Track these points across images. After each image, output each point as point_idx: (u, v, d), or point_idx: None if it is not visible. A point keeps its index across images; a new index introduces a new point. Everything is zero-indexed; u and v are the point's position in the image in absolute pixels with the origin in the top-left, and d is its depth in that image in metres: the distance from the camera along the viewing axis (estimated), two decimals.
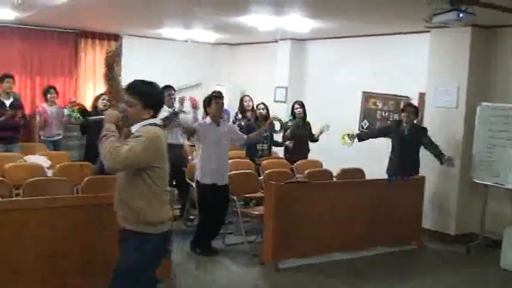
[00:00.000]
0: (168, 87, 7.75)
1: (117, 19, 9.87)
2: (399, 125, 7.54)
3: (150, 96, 3.47)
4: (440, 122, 7.68)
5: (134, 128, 3.41)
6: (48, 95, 8.82)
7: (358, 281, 5.94)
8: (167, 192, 3.50)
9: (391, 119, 9.01)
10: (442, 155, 7.17)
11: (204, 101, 6.66)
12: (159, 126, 3.45)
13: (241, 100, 9.38)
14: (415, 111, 7.52)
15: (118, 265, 3.45)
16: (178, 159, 7.20)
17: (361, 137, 7.83)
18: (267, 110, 8.55)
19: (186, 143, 8.10)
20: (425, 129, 7.47)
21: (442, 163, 7.21)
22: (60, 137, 8.91)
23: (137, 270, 3.40)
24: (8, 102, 7.81)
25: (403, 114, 7.50)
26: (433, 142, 7.28)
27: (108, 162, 3.22)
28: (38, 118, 8.80)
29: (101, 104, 7.96)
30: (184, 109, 6.86)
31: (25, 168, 6.68)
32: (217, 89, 10.42)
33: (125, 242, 3.45)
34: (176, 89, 8.27)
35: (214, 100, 6.47)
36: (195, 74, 12.64)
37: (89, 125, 7.87)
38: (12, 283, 4.52)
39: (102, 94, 8.27)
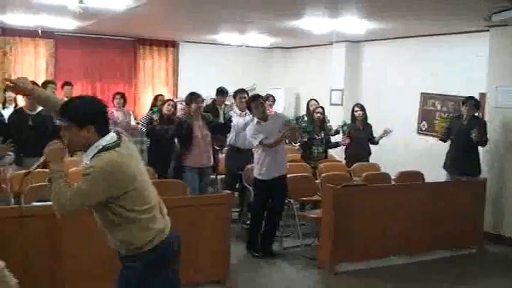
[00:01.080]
0: (241, 91, 7.93)
1: (173, 26, 10.07)
2: (459, 118, 7.47)
3: (77, 111, 2.92)
4: (501, 122, 7.47)
5: (87, 158, 2.94)
6: (115, 101, 9.05)
7: (415, 286, 5.84)
8: (149, 209, 3.02)
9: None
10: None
11: (247, 104, 6.79)
12: (112, 148, 2.90)
13: (308, 104, 9.42)
14: (476, 104, 7.40)
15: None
16: (242, 163, 7.29)
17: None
18: (323, 114, 8.53)
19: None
20: (484, 122, 7.36)
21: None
22: None
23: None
24: None
25: (463, 107, 7.41)
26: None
27: (57, 207, 2.82)
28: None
29: (166, 109, 8.08)
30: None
31: None
32: (271, 92, 10.53)
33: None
34: (232, 93, 8.38)
35: (253, 104, 6.54)
36: (250, 78, 12.70)
37: (154, 131, 7.99)
38: (75, 285, 4.66)
39: (168, 100, 8.41)
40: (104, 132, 2.95)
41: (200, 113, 7.01)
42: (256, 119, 6.54)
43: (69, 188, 2.80)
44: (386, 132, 8.17)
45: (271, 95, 9.73)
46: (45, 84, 8.14)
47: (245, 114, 7.60)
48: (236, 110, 7.82)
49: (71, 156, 3.21)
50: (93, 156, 2.90)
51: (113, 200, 2.88)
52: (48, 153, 2.88)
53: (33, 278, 4.44)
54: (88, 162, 2.90)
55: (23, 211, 4.66)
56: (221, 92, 9.17)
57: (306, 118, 9.22)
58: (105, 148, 2.90)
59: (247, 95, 7.83)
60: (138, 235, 2.99)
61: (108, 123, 3.04)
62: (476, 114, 7.46)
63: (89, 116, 2.92)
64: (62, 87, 9.65)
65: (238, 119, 7.61)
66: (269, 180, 6.40)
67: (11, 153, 6.30)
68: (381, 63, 10.41)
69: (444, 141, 7.69)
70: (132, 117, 9.49)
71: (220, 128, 7.43)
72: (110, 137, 2.95)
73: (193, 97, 6.95)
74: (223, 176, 8.21)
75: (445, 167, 7.53)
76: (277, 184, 6.44)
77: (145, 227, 3.00)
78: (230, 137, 7.70)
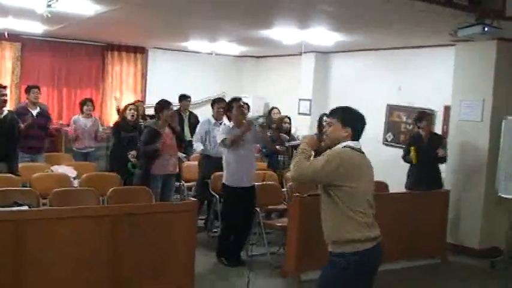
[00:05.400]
0: (220, 100, 7.88)
1: (143, 32, 10.02)
2: (418, 137, 7.47)
3: (348, 114, 3.59)
4: (465, 136, 7.63)
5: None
6: (85, 107, 8.94)
7: None
8: (363, 212, 3.43)
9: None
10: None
11: (225, 108, 6.78)
12: (356, 149, 3.49)
13: (270, 112, 9.46)
14: (432, 119, 7.53)
15: None
16: (213, 171, 7.27)
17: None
18: (290, 124, 8.58)
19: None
20: (443, 137, 7.49)
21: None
22: (92, 149, 8.98)
23: None
24: (34, 112, 7.90)
25: (422, 123, 7.38)
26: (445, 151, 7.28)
27: (291, 173, 3.49)
28: (70, 130, 8.94)
29: (129, 114, 8.04)
30: None
31: (52, 178, 6.82)
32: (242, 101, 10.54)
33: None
34: (200, 101, 8.38)
35: (235, 104, 6.55)
36: (220, 86, 12.74)
37: (120, 137, 7.94)
38: None
39: (130, 104, 8.37)
40: (355, 139, 3.53)
41: (170, 120, 6.98)
42: (232, 124, 6.53)
43: (306, 162, 3.41)
44: None
45: (246, 103, 9.77)
46: (29, 89, 8.08)
47: (220, 123, 7.61)
48: (211, 119, 7.78)
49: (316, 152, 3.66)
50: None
51: (334, 188, 3.38)
52: (307, 137, 3.69)
53: None
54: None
55: None
56: (184, 96, 9.17)
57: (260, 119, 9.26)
58: (348, 146, 3.47)
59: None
60: (346, 229, 3.38)
61: (361, 134, 3.57)
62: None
63: (352, 121, 3.55)
64: (27, 90, 9.52)
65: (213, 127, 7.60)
66: (238, 188, 6.40)
67: None
68: (349, 75, 10.53)
69: (408, 160, 7.42)
70: (99, 124, 9.40)
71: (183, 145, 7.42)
72: (355, 143, 3.52)
73: (164, 104, 6.94)
74: (189, 183, 8.21)
75: (407, 186, 7.48)
76: (245, 196, 6.42)
77: (356, 227, 3.38)
78: (203, 145, 7.68)
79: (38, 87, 8.38)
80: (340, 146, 3.50)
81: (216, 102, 7.87)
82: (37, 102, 8.25)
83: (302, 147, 3.53)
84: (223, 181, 6.52)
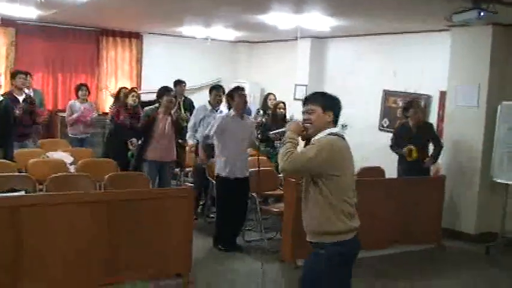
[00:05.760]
0: (218, 87, 7.87)
1: (138, 17, 9.96)
2: (404, 126, 7.52)
3: (328, 98, 3.56)
4: (461, 121, 7.65)
5: (315, 139, 3.46)
6: (80, 92, 8.94)
7: (377, 279, 5.94)
8: (348, 202, 3.41)
9: None
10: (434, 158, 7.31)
11: (227, 95, 6.77)
12: (340, 136, 3.45)
13: (266, 98, 9.46)
14: (423, 108, 7.53)
15: None
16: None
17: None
18: (285, 109, 8.58)
19: None
20: (431, 124, 7.52)
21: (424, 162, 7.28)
22: (88, 135, 8.98)
23: None
24: (21, 98, 7.80)
25: (409, 112, 7.42)
26: (438, 139, 7.35)
27: (280, 164, 3.36)
28: (67, 115, 8.93)
29: (131, 99, 8.04)
30: None
31: (48, 164, 6.81)
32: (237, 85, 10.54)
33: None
34: (195, 86, 8.35)
35: (237, 93, 6.54)
36: (215, 72, 12.71)
37: (117, 124, 7.92)
38: (35, 278, 4.59)
39: (131, 90, 8.35)
40: (335, 124, 3.51)
41: (170, 107, 6.95)
42: (232, 112, 6.51)
43: (296, 152, 3.31)
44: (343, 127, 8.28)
45: (242, 87, 9.76)
46: (14, 74, 7.99)
47: (216, 110, 7.61)
48: (207, 105, 7.76)
49: (305, 139, 3.58)
50: (318, 138, 3.42)
51: (322, 178, 3.33)
52: (291, 124, 3.55)
53: None
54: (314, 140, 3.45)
55: None
56: (179, 82, 9.16)
57: (261, 112, 9.27)
58: (333, 134, 3.42)
59: (224, 92, 7.79)
60: (332, 220, 3.34)
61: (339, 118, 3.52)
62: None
63: (332, 105, 3.51)
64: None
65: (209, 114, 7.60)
66: (230, 179, 6.40)
67: None
68: (345, 60, 10.51)
69: (399, 154, 7.50)
70: (94, 110, 9.40)
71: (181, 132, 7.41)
72: (338, 130, 3.50)
73: (164, 91, 6.93)
74: (186, 169, 8.22)
75: (399, 174, 7.57)
76: (238, 185, 6.44)
77: (341, 217, 3.35)
78: (194, 138, 7.67)
79: (25, 73, 8.31)
80: (325, 132, 3.44)
81: (214, 88, 7.85)
82: (23, 88, 8.15)
83: (289, 136, 3.43)
84: (216, 172, 6.51)
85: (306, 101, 3.58)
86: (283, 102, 8.58)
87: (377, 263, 6.46)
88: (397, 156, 7.60)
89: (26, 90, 9.28)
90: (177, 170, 7.88)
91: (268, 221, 7.23)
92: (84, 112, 8.85)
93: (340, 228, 3.35)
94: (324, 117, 3.46)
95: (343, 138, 3.48)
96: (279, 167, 3.42)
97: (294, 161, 3.30)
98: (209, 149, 7.08)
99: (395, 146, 7.53)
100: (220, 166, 6.46)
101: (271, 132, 4.07)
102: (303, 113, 3.54)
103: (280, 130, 3.68)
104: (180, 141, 7.73)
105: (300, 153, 3.33)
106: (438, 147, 7.40)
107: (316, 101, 3.51)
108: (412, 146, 7.20)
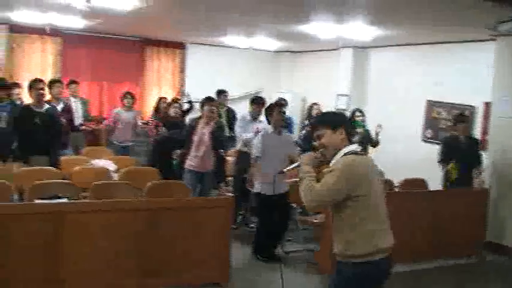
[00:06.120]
0: (259, 99, 7.84)
1: (181, 27, 10.09)
2: (454, 138, 7.42)
3: (332, 116, 3.49)
4: (506, 132, 7.44)
5: (332, 163, 3.33)
6: (125, 100, 9.10)
7: None
8: (374, 221, 3.24)
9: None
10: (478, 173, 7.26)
11: (266, 110, 6.75)
12: (357, 153, 3.30)
13: (310, 108, 9.46)
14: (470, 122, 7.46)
15: None
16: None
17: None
18: None
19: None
20: (477, 140, 7.47)
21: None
22: (131, 143, 9.12)
23: None
24: (59, 107, 7.91)
25: (459, 125, 7.38)
26: (480, 157, 7.32)
27: (304, 201, 3.25)
28: (109, 122, 9.09)
29: (172, 111, 8.12)
30: None
31: (92, 171, 6.92)
32: (279, 96, 10.56)
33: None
34: (238, 96, 8.39)
35: (276, 110, 6.51)
36: (257, 82, 12.77)
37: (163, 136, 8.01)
38: (76, 283, 4.69)
39: (174, 101, 8.44)
40: (350, 141, 3.38)
41: (212, 117, 6.99)
42: (271, 130, 6.52)
43: (316, 186, 3.19)
44: (378, 127, 8.19)
45: (284, 99, 9.80)
46: (52, 83, 8.16)
47: (256, 120, 7.63)
48: (247, 116, 7.79)
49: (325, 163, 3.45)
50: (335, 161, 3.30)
51: (349, 201, 3.18)
52: (304, 157, 3.43)
53: (33, 275, 4.48)
54: (332, 164, 3.31)
55: (25, 208, 4.72)
56: (221, 92, 9.23)
57: (306, 122, 9.24)
58: (349, 153, 3.27)
59: (263, 104, 7.72)
60: (357, 242, 3.20)
61: (353, 133, 3.25)
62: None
63: (338, 120, 3.39)
64: (68, 85, 9.70)
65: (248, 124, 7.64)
66: (270, 195, 6.37)
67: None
68: (387, 70, 10.41)
69: (446, 165, 7.44)
70: (139, 118, 9.54)
71: (218, 143, 7.40)
72: (355, 147, 3.36)
73: (204, 101, 6.99)
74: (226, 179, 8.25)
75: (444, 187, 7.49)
76: (279, 198, 6.35)
77: (365, 238, 3.21)
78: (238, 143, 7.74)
79: (77, 82, 8.47)
80: (340, 153, 3.30)
81: (254, 102, 7.83)
82: (60, 97, 8.30)
83: (304, 170, 3.30)
84: (255, 190, 6.50)
85: (313, 127, 3.48)
86: (318, 114, 8.56)
87: (416, 276, 6.34)
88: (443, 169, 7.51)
89: (72, 99, 9.54)
90: (219, 184, 7.91)
91: (308, 232, 7.17)
92: (130, 121, 8.99)
93: (368, 250, 3.20)
94: (335, 136, 3.32)
95: (362, 154, 3.37)
96: (305, 203, 3.27)
97: (318, 195, 3.18)
98: (246, 159, 7.13)
99: (443, 161, 7.46)
100: (260, 183, 6.42)
101: (285, 170, 3.81)
102: (314, 140, 3.43)
103: (294, 165, 3.50)
104: (220, 151, 7.77)
105: (320, 185, 3.19)
106: (478, 165, 7.34)
107: (323, 123, 3.39)
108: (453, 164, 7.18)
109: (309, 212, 7.58)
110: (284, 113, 6.64)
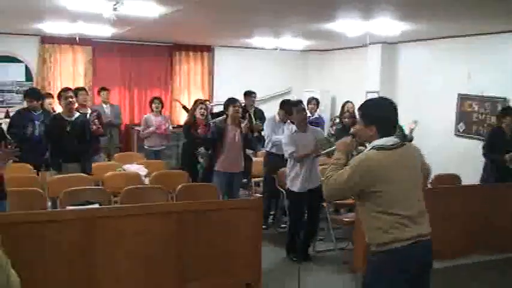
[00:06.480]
0: (287, 103, 7.69)
1: (208, 30, 10.14)
2: (502, 132, 7.28)
3: (367, 110, 3.40)
4: None
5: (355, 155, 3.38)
6: (153, 105, 9.20)
7: None
8: (397, 214, 3.22)
9: (488, 122, 8.67)
10: None
11: (287, 112, 6.77)
12: (385, 148, 3.25)
13: (343, 106, 9.44)
14: None
15: None
16: (278, 167, 7.24)
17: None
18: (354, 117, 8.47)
19: None
20: None
21: None
22: (163, 147, 9.20)
23: None
24: (88, 115, 8.00)
25: (506, 118, 7.27)
26: None
27: (323, 190, 3.36)
28: (141, 128, 9.19)
29: (198, 113, 8.16)
30: None
31: (123, 176, 7.01)
32: (308, 95, 10.54)
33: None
34: (266, 96, 8.38)
35: (294, 108, 6.51)
36: (285, 82, 12.76)
37: (190, 136, 8.06)
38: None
39: (200, 103, 8.48)
40: (385, 134, 3.28)
41: (237, 117, 7.01)
42: (294, 128, 6.50)
43: (333, 177, 3.25)
44: (414, 124, 8.02)
45: (315, 98, 9.78)
46: (76, 91, 8.26)
47: (284, 122, 7.61)
48: (276, 117, 7.77)
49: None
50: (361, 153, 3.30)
51: (365, 194, 3.22)
52: (339, 143, 3.46)
53: (68, 283, 4.55)
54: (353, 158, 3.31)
55: (59, 215, 4.80)
56: (249, 93, 9.23)
57: (337, 120, 9.19)
58: (376, 147, 3.25)
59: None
60: (377, 234, 3.24)
61: (393, 127, 3.33)
62: None
63: (373, 117, 3.30)
64: (99, 92, 9.83)
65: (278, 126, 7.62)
66: (302, 193, 6.36)
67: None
68: (417, 64, 10.28)
69: (496, 160, 7.28)
70: (169, 122, 9.62)
71: (249, 143, 7.40)
72: (386, 140, 3.27)
73: (229, 102, 7.00)
74: (256, 179, 8.26)
75: (482, 181, 7.38)
76: (310, 196, 6.34)
77: (385, 229, 3.22)
78: (266, 143, 7.73)
79: (107, 89, 8.54)
80: (369, 146, 3.32)
81: (283, 107, 7.72)
82: (86, 104, 8.39)
83: (335, 157, 3.37)
84: (287, 186, 6.49)
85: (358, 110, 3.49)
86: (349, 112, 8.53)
87: (452, 272, 6.23)
88: (475, 161, 7.36)
89: (104, 105, 9.67)
90: (245, 180, 7.91)
91: (340, 231, 7.13)
92: (159, 124, 9.07)
93: (386, 240, 3.23)
94: (365, 131, 3.34)
95: (392, 148, 3.27)
96: (324, 193, 3.37)
97: (332, 187, 3.27)
98: (275, 159, 7.08)
99: (489, 153, 7.32)
100: (291, 181, 6.42)
101: (322, 152, 3.90)
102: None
103: (330, 149, 3.55)
104: (250, 151, 7.78)
105: (334, 179, 3.25)
106: None
107: (360, 114, 3.41)
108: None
109: (339, 210, 7.61)
110: (304, 109, 6.60)
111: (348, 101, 9.64)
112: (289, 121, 7.58)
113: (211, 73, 12.42)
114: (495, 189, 6.93)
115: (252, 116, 9.29)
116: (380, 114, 3.34)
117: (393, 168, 3.23)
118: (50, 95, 9.16)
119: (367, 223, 3.33)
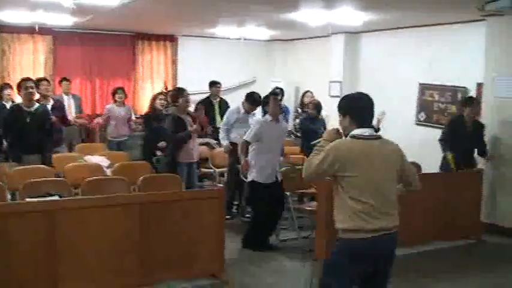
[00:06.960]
0: (253, 100, 7.58)
1: (171, 20, 10.06)
2: (462, 121, 7.37)
3: (342, 102, 3.59)
4: (498, 112, 7.42)
5: None
6: (117, 96, 9.07)
7: (415, 276, 5.82)
8: (364, 202, 3.32)
9: (448, 111, 8.82)
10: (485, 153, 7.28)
11: (263, 101, 6.79)
12: (360, 138, 3.39)
13: (303, 96, 9.48)
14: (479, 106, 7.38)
15: None
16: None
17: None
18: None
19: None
20: (483, 125, 7.37)
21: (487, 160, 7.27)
22: (125, 138, 9.10)
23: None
24: (49, 106, 7.79)
25: (467, 108, 7.33)
26: (485, 143, 7.31)
27: (303, 172, 3.51)
28: (101, 119, 9.08)
29: (158, 103, 8.09)
30: None
31: (85, 168, 6.92)
32: (273, 85, 10.55)
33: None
34: (231, 86, 8.37)
35: (272, 98, 6.59)
36: (250, 72, 12.75)
37: (151, 127, 8.00)
38: (72, 280, 4.68)
39: (159, 94, 8.42)
40: (361, 125, 3.43)
41: (187, 107, 7.04)
42: (269, 118, 6.51)
43: (311, 159, 3.44)
44: (380, 115, 8.00)
45: (279, 88, 9.80)
46: (38, 81, 8.07)
47: (253, 114, 7.61)
48: (241, 108, 7.72)
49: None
50: None
51: (338, 178, 3.36)
52: (326, 132, 3.62)
53: (30, 274, 4.48)
54: None
55: (16, 207, 4.72)
56: (214, 83, 9.20)
57: (299, 111, 9.25)
58: (351, 135, 3.42)
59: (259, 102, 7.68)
60: (343, 218, 3.38)
61: (367, 118, 3.49)
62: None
63: (346, 108, 3.50)
64: (60, 82, 9.66)
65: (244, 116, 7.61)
66: (264, 183, 6.39)
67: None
68: (380, 54, 10.38)
69: (449, 150, 7.33)
70: (132, 112, 9.53)
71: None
72: (362, 131, 3.42)
73: (178, 92, 7.01)
74: (220, 170, 8.26)
75: (442, 169, 7.46)
76: (273, 187, 6.40)
77: (352, 216, 3.33)
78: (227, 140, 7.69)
79: (68, 80, 8.38)
80: (349, 135, 3.46)
81: (248, 100, 7.54)
82: (49, 95, 8.22)
83: (319, 144, 3.53)
84: (250, 178, 6.49)
85: None
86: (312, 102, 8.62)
87: (415, 259, 6.34)
88: (435, 149, 7.49)
89: (65, 96, 9.52)
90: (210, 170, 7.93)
91: (303, 219, 7.18)
92: (123, 116, 8.97)
93: (350, 227, 3.35)
94: (343, 121, 3.53)
95: (369, 139, 3.42)
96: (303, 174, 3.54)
97: (308, 168, 3.45)
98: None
99: (444, 141, 7.41)
100: (254, 172, 6.42)
101: (312, 142, 4.01)
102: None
103: (317, 141, 3.65)
104: (213, 141, 7.77)
105: (314, 159, 3.41)
106: (482, 153, 7.36)
107: (337, 106, 3.59)
108: (452, 154, 7.17)
109: (303, 199, 7.67)
110: (280, 100, 6.68)
111: (307, 91, 9.71)
112: (253, 112, 7.60)
113: (174, 63, 12.31)
114: (455, 177, 7.07)
115: (217, 106, 9.30)
116: (352, 104, 3.54)
117: (365, 157, 3.36)
118: (9, 86, 8.95)
119: (336, 207, 3.45)
